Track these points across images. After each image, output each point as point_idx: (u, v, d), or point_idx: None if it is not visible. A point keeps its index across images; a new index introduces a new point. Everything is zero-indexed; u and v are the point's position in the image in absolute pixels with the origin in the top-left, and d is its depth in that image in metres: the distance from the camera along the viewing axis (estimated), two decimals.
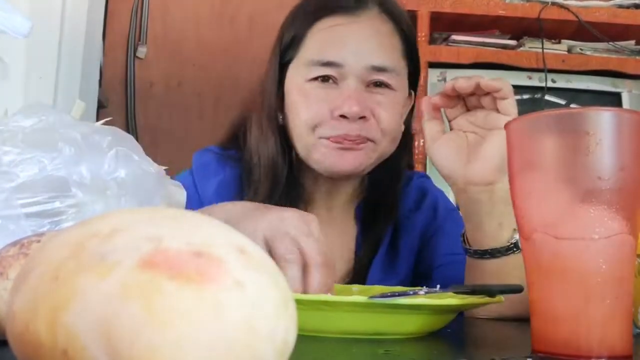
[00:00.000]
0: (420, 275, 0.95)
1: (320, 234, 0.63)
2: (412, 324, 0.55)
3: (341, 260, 0.93)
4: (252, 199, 0.88)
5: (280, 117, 0.91)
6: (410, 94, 0.95)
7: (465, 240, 0.78)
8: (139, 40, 2.28)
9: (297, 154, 0.91)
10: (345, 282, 0.90)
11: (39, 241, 0.37)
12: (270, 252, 0.61)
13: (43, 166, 0.45)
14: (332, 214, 0.96)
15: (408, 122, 0.96)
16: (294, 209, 0.66)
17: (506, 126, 0.49)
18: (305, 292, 0.59)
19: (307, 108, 0.86)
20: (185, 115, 2.27)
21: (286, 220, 0.62)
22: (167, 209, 0.35)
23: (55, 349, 0.24)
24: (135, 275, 0.24)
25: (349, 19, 0.87)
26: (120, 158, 0.48)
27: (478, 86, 0.72)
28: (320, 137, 0.85)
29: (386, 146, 0.88)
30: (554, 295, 0.45)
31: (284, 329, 0.26)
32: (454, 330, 0.69)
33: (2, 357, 0.35)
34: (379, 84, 0.87)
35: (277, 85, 0.91)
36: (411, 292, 0.58)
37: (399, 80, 0.89)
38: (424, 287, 0.64)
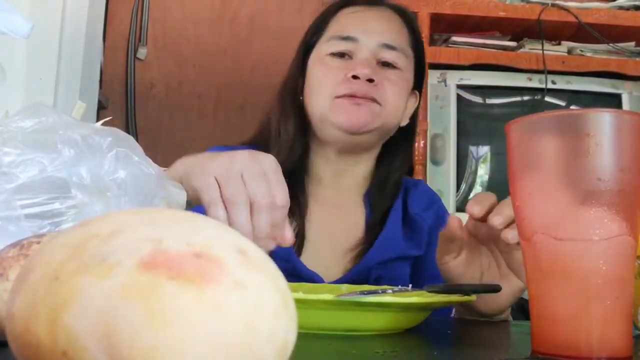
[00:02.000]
0: (425, 277, 0.98)
1: (277, 170, 0.65)
2: (380, 321, 0.56)
3: (348, 241, 0.98)
4: None
5: (301, 98, 1.02)
6: (415, 93, 1.06)
7: None
8: (139, 41, 2.28)
9: (312, 134, 1.01)
10: (354, 262, 0.95)
11: (39, 242, 0.37)
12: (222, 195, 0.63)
13: (43, 167, 0.45)
14: (340, 195, 1.03)
15: (414, 119, 1.07)
16: (248, 150, 0.67)
17: (507, 127, 0.49)
18: (253, 235, 0.62)
19: (325, 74, 0.98)
20: (186, 116, 2.27)
21: (237, 162, 0.64)
22: (167, 209, 0.35)
23: (55, 350, 0.24)
24: (136, 276, 0.24)
25: (366, 8, 1.02)
26: (120, 159, 0.48)
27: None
28: (335, 98, 0.95)
29: (389, 115, 0.97)
30: (554, 297, 0.45)
31: (284, 329, 0.26)
32: (454, 331, 0.70)
33: (2, 358, 0.35)
34: (388, 64, 0.98)
35: (300, 69, 1.03)
36: (380, 291, 0.61)
37: (407, 63, 1.00)
38: (399, 286, 0.66)
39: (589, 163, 0.44)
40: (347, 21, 1.01)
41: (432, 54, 1.98)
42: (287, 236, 0.65)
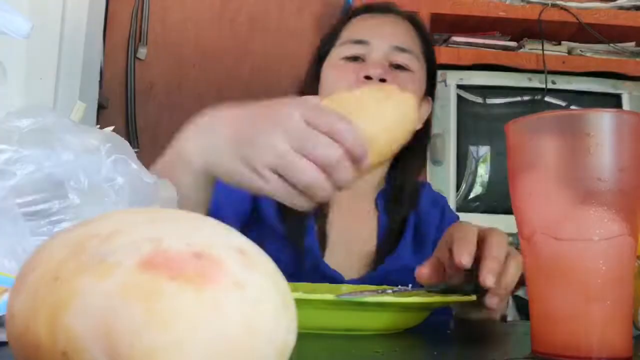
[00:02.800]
0: None
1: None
2: (380, 321, 0.57)
3: (363, 244, 0.99)
4: None
5: None
6: (428, 98, 1.07)
7: None
8: (139, 41, 2.28)
9: None
10: (367, 266, 0.96)
11: None
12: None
13: (40, 164, 0.45)
14: (355, 200, 1.02)
15: (427, 125, 1.09)
16: (287, 100, 0.60)
17: (507, 127, 0.49)
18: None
19: (338, 77, 0.99)
20: (186, 117, 2.26)
21: (295, 119, 0.56)
22: (167, 210, 0.35)
23: (55, 350, 0.24)
24: (135, 276, 0.24)
25: (378, 15, 1.05)
26: (118, 165, 0.48)
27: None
28: None
29: None
30: (554, 296, 0.45)
31: (284, 329, 0.26)
32: (454, 331, 0.70)
33: (2, 358, 0.35)
34: (400, 67, 0.99)
35: (314, 76, 1.04)
36: (379, 291, 0.61)
37: (419, 66, 1.01)
38: (399, 286, 0.66)
39: (589, 163, 0.44)
40: (359, 26, 1.04)
41: None
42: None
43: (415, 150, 1.04)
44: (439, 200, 1.10)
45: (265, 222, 0.96)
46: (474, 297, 0.66)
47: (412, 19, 1.07)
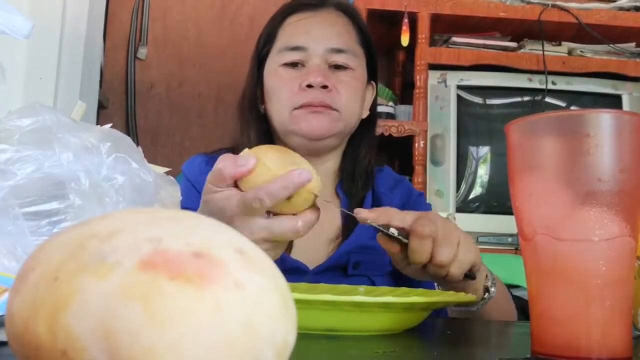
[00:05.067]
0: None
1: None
2: (380, 322, 0.57)
3: (329, 231, 1.01)
4: None
5: (262, 107, 1.06)
6: (371, 83, 1.10)
7: None
8: (140, 41, 2.28)
9: (277, 139, 1.04)
10: (334, 251, 0.98)
11: None
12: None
13: (40, 164, 0.45)
14: None
15: (373, 109, 1.11)
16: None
17: (507, 128, 0.49)
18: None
19: (281, 86, 1.01)
20: (186, 116, 2.27)
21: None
22: (167, 210, 0.35)
23: (54, 350, 0.24)
24: (135, 276, 0.24)
25: (311, 14, 1.05)
26: (118, 164, 0.48)
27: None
28: (294, 109, 0.99)
29: (349, 118, 1.01)
30: (554, 297, 0.45)
31: (283, 329, 0.26)
32: (454, 331, 0.69)
33: (2, 357, 0.35)
34: (339, 67, 1.01)
35: (256, 79, 1.08)
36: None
37: (357, 62, 1.04)
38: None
39: (589, 163, 0.44)
40: (294, 31, 1.04)
41: (432, 54, 1.98)
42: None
43: (364, 137, 1.08)
44: (400, 185, 1.11)
45: None
46: (474, 298, 0.66)
47: (345, 11, 1.08)
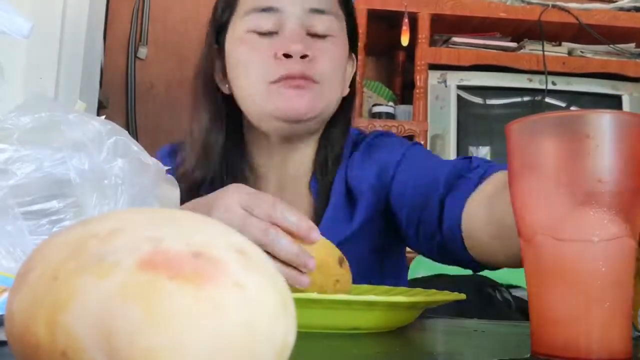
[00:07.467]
0: (413, 220, 0.83)
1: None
2: (376, 320, 0.56)
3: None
4: (182, 176, 0.87)
5: (227, 86, 0.90)
6: (351, 56, 0.94)
7: None
8: (140, 40, 2.28)
9: (247, 124, 0.90)
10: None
11: None
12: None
13: (40, 164, 0.45)
14: (284, 184, 0.93)
15: (352, 85, 0.95)
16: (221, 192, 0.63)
17: (507, 128, 0.49)
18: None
19: (250, 56, 0.84)
20: (186, 116, 2.27)
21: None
22: (167, 209, 0.35)
23: (54, 350, 0.24)
24: (135, 276, 0.24)
25: None
26: (119, 147, 0.48)
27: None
28: (270, 84, 0.82)
29: (331, 92, 0.86)
30: (553, 298, 0.45)
31: (283, 329, 0.26)
32: (454, 330, 0.69)
33: (2, 358, 0.35)
34: (319, 36, 0.85)
35: (215, 52, 0.90)
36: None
37: (340, 27, 0.88)
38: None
39: (589, 164, 0.44)
40: None
41: (432, 54, 1.98)
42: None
43: (339, 117, 0.92)
44: (374, 151, 0.92)
45: None
46: (463, 296, 0.65)
47: None
